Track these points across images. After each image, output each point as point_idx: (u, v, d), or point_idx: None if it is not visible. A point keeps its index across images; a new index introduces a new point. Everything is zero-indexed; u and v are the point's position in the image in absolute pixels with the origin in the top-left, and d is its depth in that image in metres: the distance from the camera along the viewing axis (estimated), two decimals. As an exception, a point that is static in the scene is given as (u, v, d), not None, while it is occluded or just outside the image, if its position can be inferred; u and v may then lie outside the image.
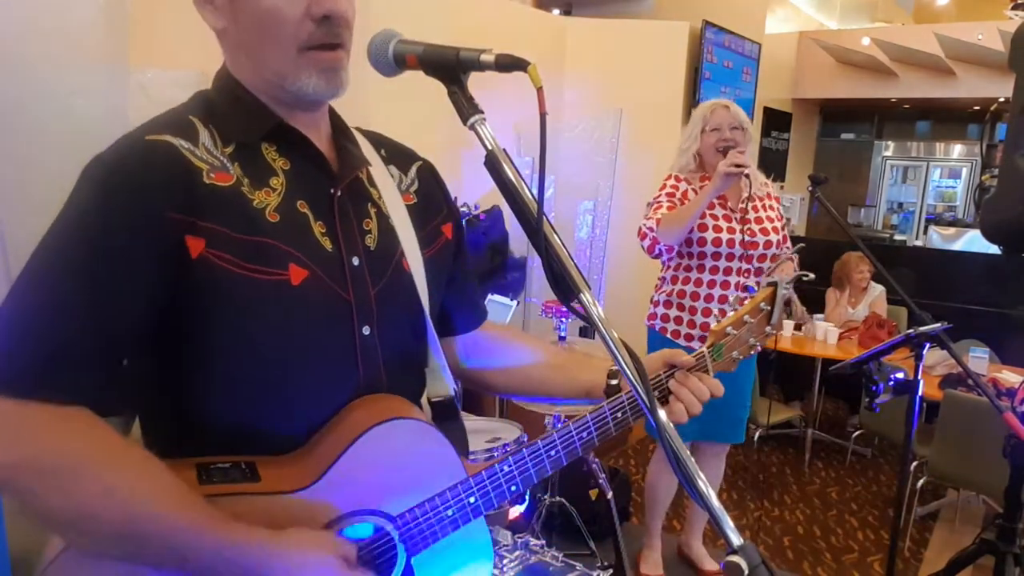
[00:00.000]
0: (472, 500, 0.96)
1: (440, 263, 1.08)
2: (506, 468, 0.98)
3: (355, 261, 0.95)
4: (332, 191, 0.96)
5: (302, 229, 0.92)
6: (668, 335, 2.70)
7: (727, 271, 2.59)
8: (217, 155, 0.89)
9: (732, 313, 1.13)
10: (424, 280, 1.02)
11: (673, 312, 2.68)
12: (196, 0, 0.91)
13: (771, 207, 2.67)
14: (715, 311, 2.59)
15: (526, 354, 1.20)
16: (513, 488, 0.99)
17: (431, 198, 1.11)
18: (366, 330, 0.96)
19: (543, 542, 1.87)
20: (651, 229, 2.55)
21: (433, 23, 3.12)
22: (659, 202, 2.60)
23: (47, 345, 0.78)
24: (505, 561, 1.73)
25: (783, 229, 2.69)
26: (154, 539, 0.79)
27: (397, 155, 1.11)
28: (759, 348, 1.17)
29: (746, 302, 1.15)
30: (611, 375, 1.10)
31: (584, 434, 1.02)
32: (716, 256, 2.58)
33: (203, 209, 0.85)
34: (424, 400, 1.08)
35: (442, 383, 1.08)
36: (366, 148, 1.06)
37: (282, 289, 0.88)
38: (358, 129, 1.10)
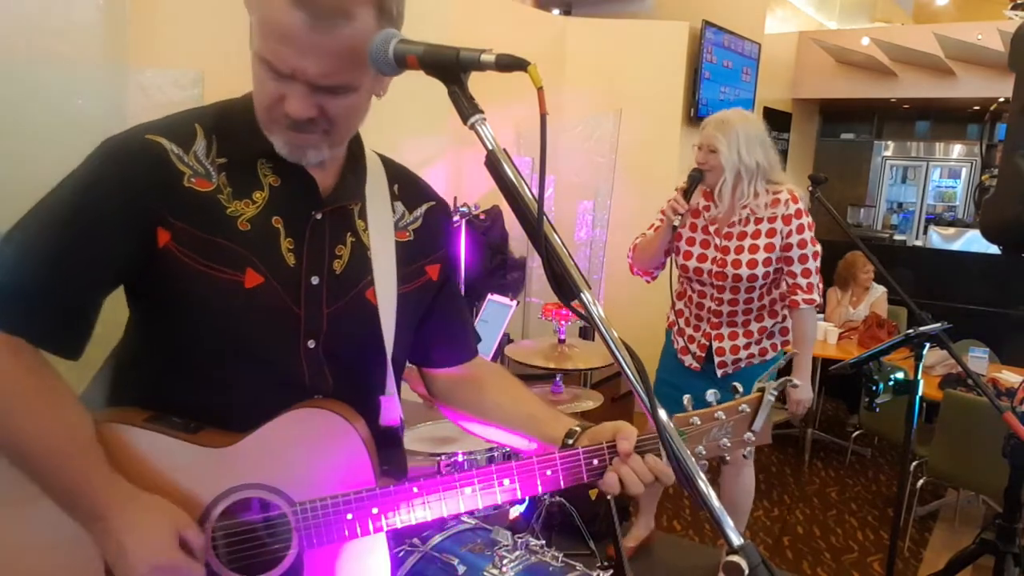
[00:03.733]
0: (375, 511, 0.96)
1: (416, 300, 1.13)
2: (415, 489, 0.98)
3: (314, 280, 1.01)
4: (313, 213, 1.02)
5: (269, 241, 0.99)
6: (672, 340, 2.74)
7: (701, 295, 2.60)
8: (205, 164, 0.98)
9: (706, 408, 1.08)
10: (392, 314, 1.06)
11: (679, 323, 2.72)
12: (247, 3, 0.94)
13: (771, 231, 2.43)
14: (689, 332, 2.61)
15: (507, 400, 1.20)
16: (417, 515, 0.98)
17: (428, 240, 1.15)
18: (311, 343, 1.02)
19: (543, 542, 1.86)
20: (630, 255, 2.68)
21: (433, 23, 3.12)
22: (652, 223, 2.67)
23: (6, 278, 0.88)
24: (505, 561, 1.72)
25: (788, 251, 2.44)
26: (30, 461, 0.89)
27: (411, 191, 1.16)
28: (730, 456, 1.09)
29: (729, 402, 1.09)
30: (569, 435, 1.08)
31: (507, 482, 1.00)
32: (688, 281, 2.62)
33: (176, 207, 0.95)
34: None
35: (390, 412, 1.10)
36: (378, 180, 1.11)
37: (234, 289, 0.96)
38: (385, 159, 1.15)
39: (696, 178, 2.46)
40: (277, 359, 1.00)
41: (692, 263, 2.55)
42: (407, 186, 1.15)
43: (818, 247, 2.49)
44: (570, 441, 1.08)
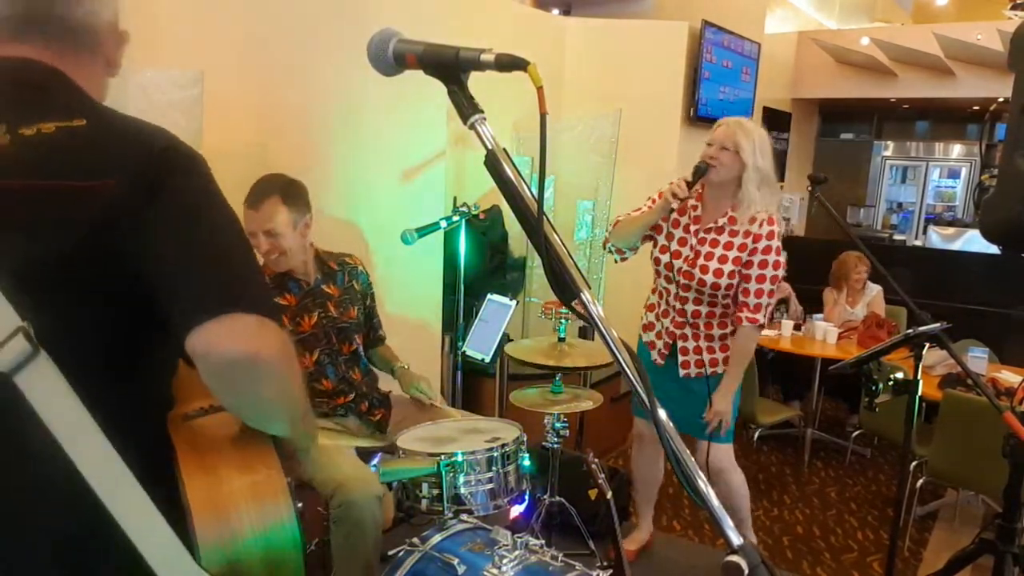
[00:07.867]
0: None
1: None
2: None
3: None
4: None
5: None
6: (642, 336, 2.82)
7: (668, 292, 2.65)
8: None
9: None
10: None
11: (647, 316, 2.78)
12: None
13: (742, 246, 2.48)
14: (658, 327, 2.66)
15: None
16: None
17: None
18: None
19: (543, 542, 1.86)
20: (609, 229, 2.71)
21: (432, 22, 3.12)
22: (640, 207, 2.68)
23: (262, 278, 0.97)
24: (505, 561, 1.72)
25: (748, 268, 2.48)
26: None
27: None
28: None
29: None
30: None
31: None
32: (658, 276, 2.68)
33: None
34: None
35: None
36: None
37: None
38: None
39: (702, 171, 2.47)
40: None
41: (665, 257, 2.60)
42: None
43: (780, 272, 2.50)
44: None
